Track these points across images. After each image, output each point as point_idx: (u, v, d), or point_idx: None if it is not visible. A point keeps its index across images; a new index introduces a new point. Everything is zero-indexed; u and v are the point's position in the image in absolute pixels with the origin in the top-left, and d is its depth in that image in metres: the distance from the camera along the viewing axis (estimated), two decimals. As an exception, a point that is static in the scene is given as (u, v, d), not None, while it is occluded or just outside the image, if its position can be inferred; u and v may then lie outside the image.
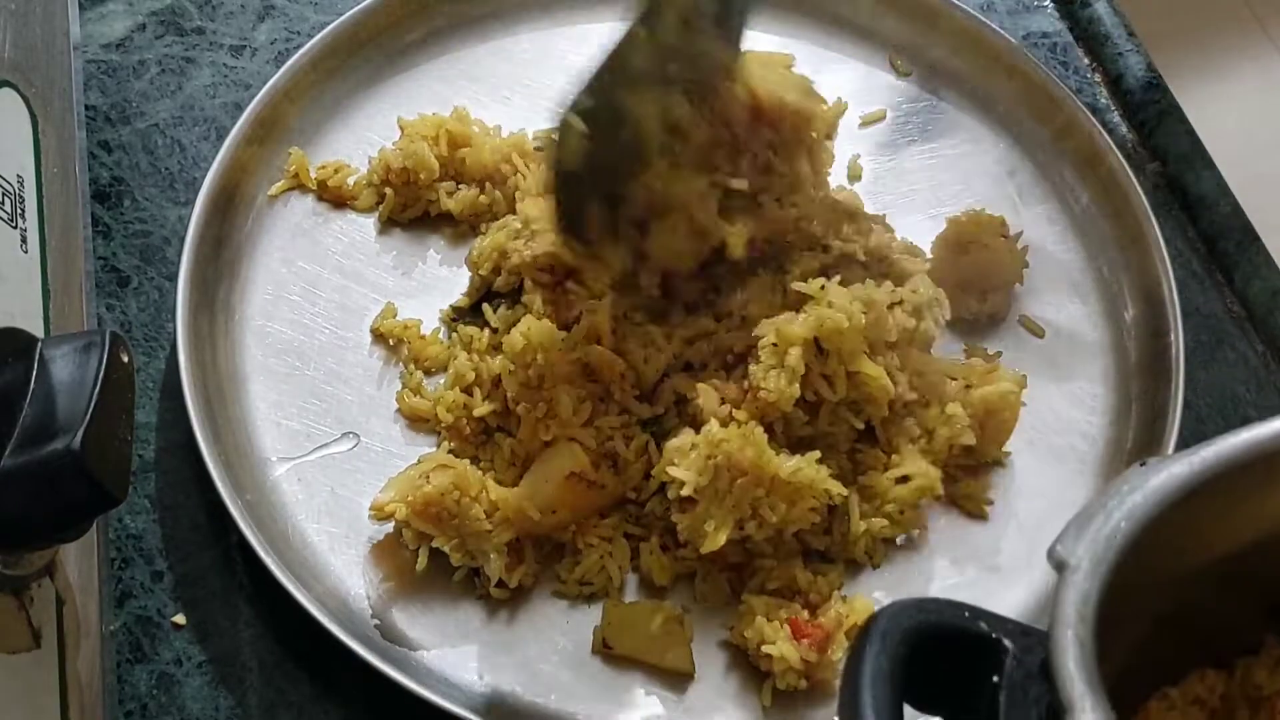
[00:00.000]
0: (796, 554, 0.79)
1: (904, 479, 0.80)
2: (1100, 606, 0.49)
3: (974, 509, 0.83)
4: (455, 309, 0.88)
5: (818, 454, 0.78)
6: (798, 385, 0.78)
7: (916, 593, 0.80)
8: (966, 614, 0.53)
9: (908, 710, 0.51)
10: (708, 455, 0.75)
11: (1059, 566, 0.51)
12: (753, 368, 0.79)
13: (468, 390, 0.82)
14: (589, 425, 0.80)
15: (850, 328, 0.78)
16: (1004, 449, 0.85)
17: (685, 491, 0.76)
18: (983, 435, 0.83)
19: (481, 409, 0.81)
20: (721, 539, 0.75)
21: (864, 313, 0.79)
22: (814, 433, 0.80)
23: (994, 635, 0.52)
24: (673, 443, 0.77)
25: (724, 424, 0.77)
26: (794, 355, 0.77)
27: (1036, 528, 0.82)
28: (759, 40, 1.00)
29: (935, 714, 0.54)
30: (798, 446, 0.80)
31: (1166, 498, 0.52)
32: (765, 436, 0.76)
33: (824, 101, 0.87)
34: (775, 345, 0.78)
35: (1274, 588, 0.58)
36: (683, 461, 0.76)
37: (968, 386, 0.83)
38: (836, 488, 0.78)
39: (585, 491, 0.78)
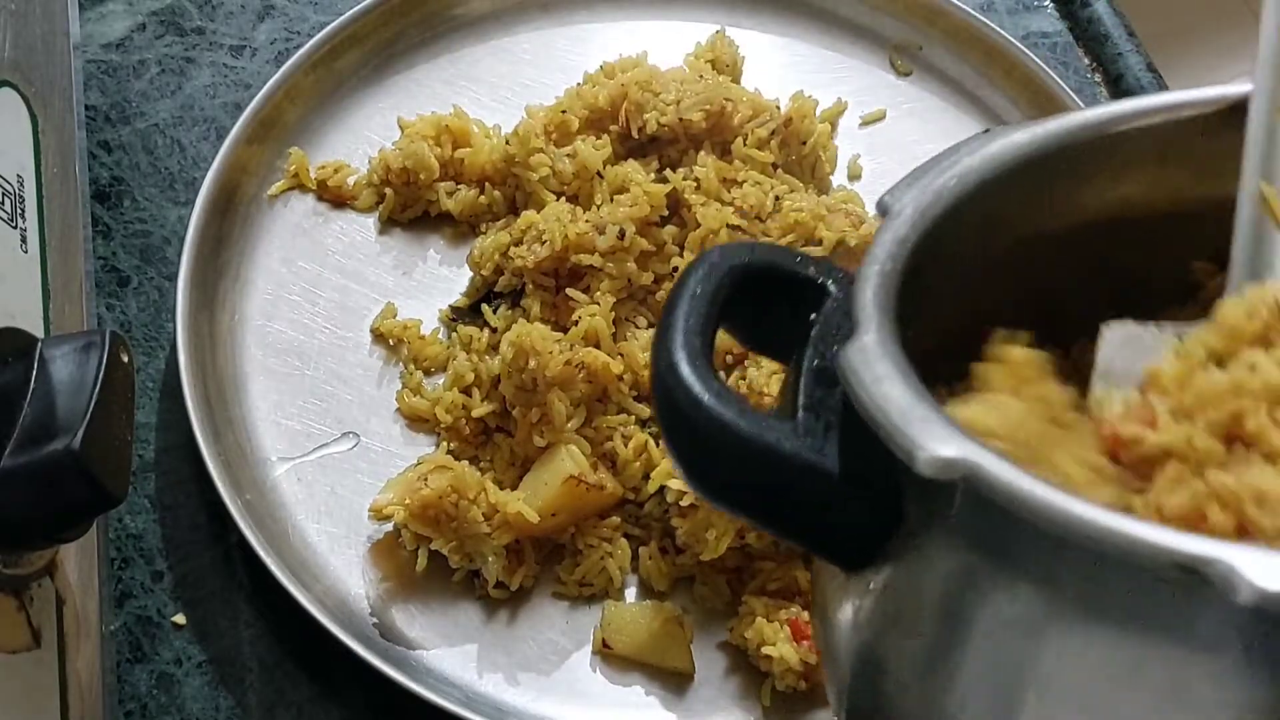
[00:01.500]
0: (797, 555, 0.79)
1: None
2: (916, 252, 0.49)
3: None
4: (454, 309, 0.88)
5: None
6: None
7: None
8: (797, 259, 0.53)
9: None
10: None
11: (883, 212, 0.51)
12: (752, 371, 0.79)
13: (466, 391, 0.82)
14: (587, 428, 0.79)
15: None
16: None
17: (686, 501, 0.76)
18: None
19: (480, 409, 0.81)
20: (723, 548, 0.75)
21: None
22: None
23: (820, 279, 0.52)
24: None
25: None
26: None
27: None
28: (760, 40, 1.01)
29: (759, 351, 0.54)
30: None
31: (1003, 164, 0.52)
32: None
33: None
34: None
35: (1123, 274, 0.57)
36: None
37: None
38: None
39: (584, 494, 0.78)
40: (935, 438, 0.42)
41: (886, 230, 0.50)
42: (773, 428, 0.47)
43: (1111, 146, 0.55)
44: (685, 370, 0.48)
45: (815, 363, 0.50)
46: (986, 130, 0.53)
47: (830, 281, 0.52)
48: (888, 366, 0.45)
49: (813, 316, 0.51)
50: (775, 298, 0.53)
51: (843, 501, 0.48)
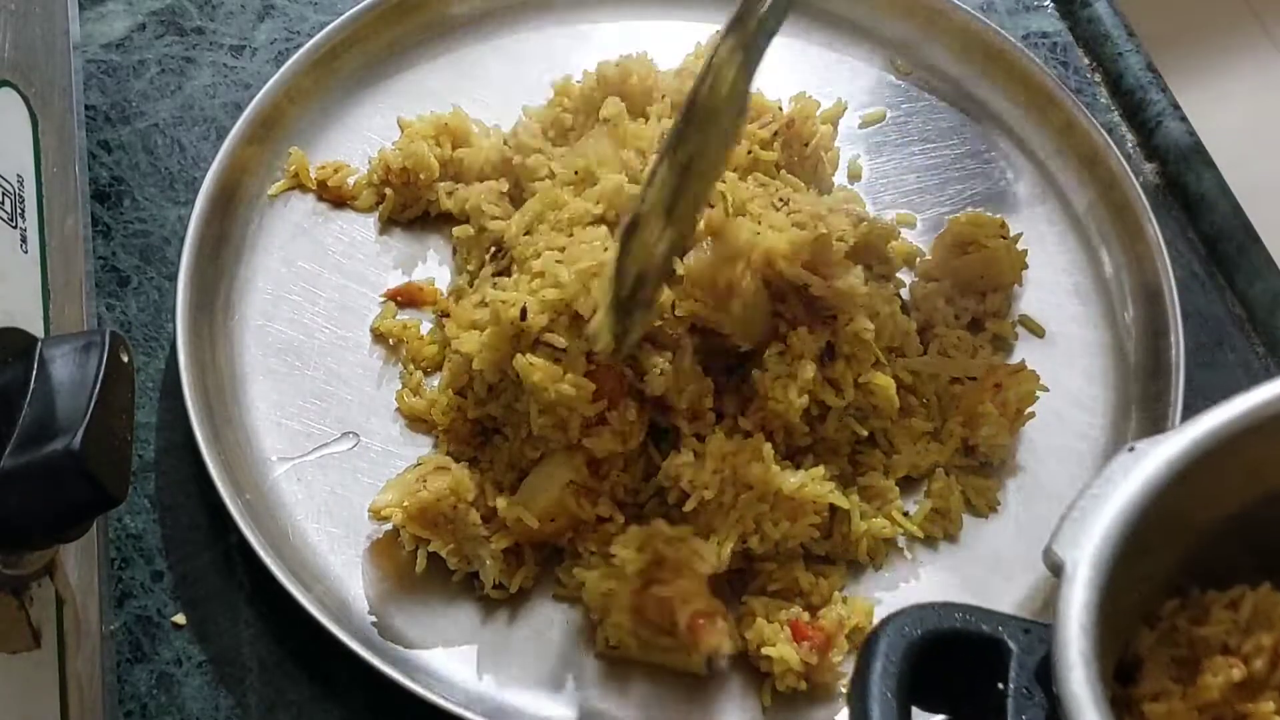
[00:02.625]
0: (798, 556, 0.79)
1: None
2: (1101, 609, 0.49)
3: (983, 506, 0.83)
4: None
5: (822, 470, 0.78)
6: (806, 396, 0.78)
7: (917, 595, 0.80)
8: (968, 616, 0.52)
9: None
10: (714, 469, 0.75)
11: (1055, 570, 0.50)
12: (756, 373, 0.79)
13: (462, 392, 0.82)
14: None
15: (868, 338, 0.78)
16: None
17: (689, 506, 0.75)
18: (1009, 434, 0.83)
19: (475, 412, 0.81)
20: (725, 553, 0.75)
21: (869, 319, 0.79)
22: (815, 438, 0.80)
23: (996, 636, 0.51)
24: (676, 453, 0.77)
25: (729, 434, 0.77)
26: (808, 369, 0.77)
27: (1036, 528, 0.82)
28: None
29: (944, 714, 0.53)
30: (798, 452, 0.80)
31: (1159, 482, 0.52)
32: (773, 452, 0.76)
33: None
34: (781, 353, 0.78)
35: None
36: (687, 472, 0.76)
37: (996, 386, 0.83)
38: (841, 501, 0.78)
39: (583, 498, 0.77)
40: None
41: (1069, 599, 0.49)
42: None
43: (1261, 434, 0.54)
44: None
45: None
46: (1130, 448, 0.53)
47: (1007, 639, 0.51)
48: None
49: (1000, 685, 0.50)
50: (952, 659, 0.52)
51: None
